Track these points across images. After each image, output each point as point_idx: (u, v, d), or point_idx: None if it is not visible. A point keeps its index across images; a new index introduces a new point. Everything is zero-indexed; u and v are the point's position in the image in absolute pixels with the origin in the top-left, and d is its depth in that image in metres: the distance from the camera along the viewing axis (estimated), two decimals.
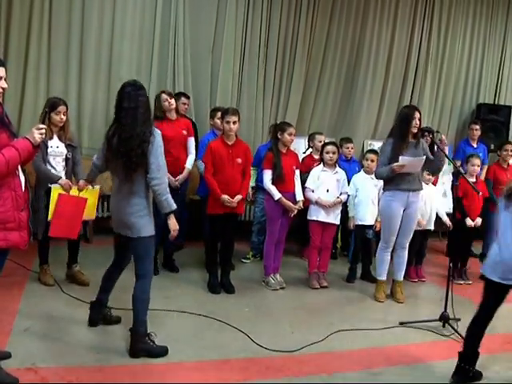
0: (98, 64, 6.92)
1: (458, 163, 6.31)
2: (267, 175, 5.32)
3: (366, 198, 5.79)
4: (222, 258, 5.28)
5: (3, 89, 3.13)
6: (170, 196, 3.68)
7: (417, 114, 4.99)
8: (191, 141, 5.60)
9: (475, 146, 7.43)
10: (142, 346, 3.72)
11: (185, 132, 5.49)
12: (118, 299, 4.27)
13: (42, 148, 4.50)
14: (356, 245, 5.97)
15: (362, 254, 6.01)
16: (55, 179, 4.73)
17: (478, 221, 5.93)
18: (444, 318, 4.62)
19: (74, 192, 4.71)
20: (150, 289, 3.88)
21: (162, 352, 3.76)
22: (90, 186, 4.73)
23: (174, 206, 3.69)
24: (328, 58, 7.98)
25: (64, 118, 4.83)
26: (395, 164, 4.89)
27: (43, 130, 3.16)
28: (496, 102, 8.91)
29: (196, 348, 3.89)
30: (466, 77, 8.82)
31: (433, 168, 5.21)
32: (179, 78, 7.18)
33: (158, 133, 3.67)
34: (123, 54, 6.99)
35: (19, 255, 4.59)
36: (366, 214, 5.81)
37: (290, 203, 5.30)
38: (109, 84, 6.97)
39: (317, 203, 5.46)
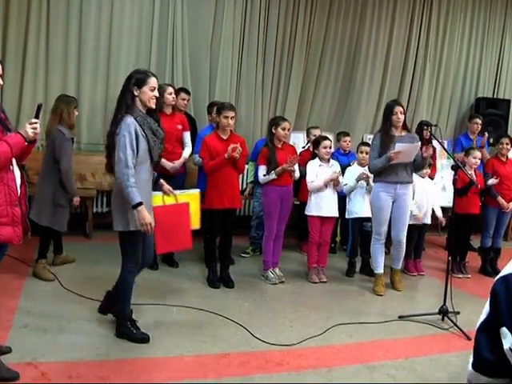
0: (97, 61, 6.92)
1: (461, 156, 6.30)
2: (261, 171, 5.34)
3: (361, 190, 5.79)
4: (221, 252, 5.29)
5: None
6: (132, 190, 3.51)
7: (398, 108, 5.09)
8: (186, 135, 5.62)
9: (474, 139, 7.41)
10: (123, 329, 3.84)
11: (180, 126, 5.51)
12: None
13: (71, 148, 5.01)
14: (354, 238, 5.98)
15: (360, 247, 6.02)
16: (73, 195, 5.07)
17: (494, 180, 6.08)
18: (443, 312, 4.64)
19: (170, 200, 4.22)
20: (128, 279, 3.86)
21: (141, 339, 3.82)
22: (188, 191, 4.62)
23: (137, 200, 3.52)
24: (326, 53, 7.98)
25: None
26: (392, 151, 4.93)
27: (36, 125, 3.13)
28: (495, 96, 8.92)
29: (195, 342, 3.90)
30: (464, 71, 8.82)
31: (416, 164, 5.22)
32: (178, 74, 7.18)
33: (127, 123, 3.56)
34: (121, 51, 6.99)
35: (18, 250, 4.61)
36: (362, 206, 5.81)
37: (284, 165, 5.24)
38: (107, 81, 6.97)
39: (325, 184, 5.42)
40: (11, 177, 3.18)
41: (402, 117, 5.07)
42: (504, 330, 1.20)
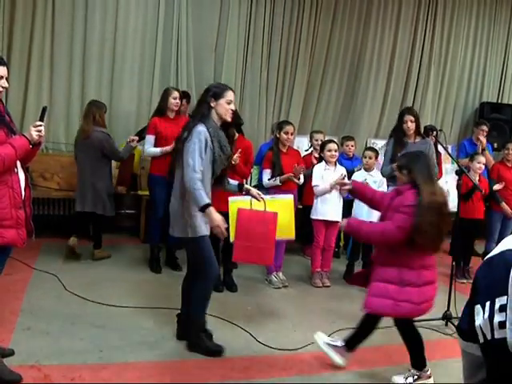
0: (101, 63, 6.94)
1: (465, 161, 6.28)
2: (266, 175, 5.35)
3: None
4: (224, 256, 5.28)
5: (3, 88, 3.13)
6: (200, 192, 3.50)
7: (407, 117, 5.16)
8: None
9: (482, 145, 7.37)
10: (197, 341, 3.78)
11: None
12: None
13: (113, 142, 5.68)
14: (354, 242, 5.97)
15: (362, 252, 6.01)
16: (130, 147, 5.77)
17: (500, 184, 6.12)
18: (447, 317, 4.62)
19: (258, 206, 4.00)
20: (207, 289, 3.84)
21: (216, 351, 3.78)
22: (279, 196, 4.58)
23: (205, 201, 3.50)
24: (331, 57, 7.98)
25: None
26: (395, 164, 4.93)
27: (41, 128, 3.14)
28: (499, 101, 8.89)
29: None
30: (469, 75, 8.81)
31: None
32: (182, 77, 7.19)
33: (198, 130, 3.59)
34: (126, 54, 7.02)
35: (22, 252, 4.62)
36: (365, 210, 5.79)
37: (289, 174, 5.27)
38: (111, 82, 6.99)
39: (331, 188, 5.39)
40: (15, 179, 3.19)
41: (411, 125, 5.10)
42: (478, 307, 1.31)
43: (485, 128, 7.18)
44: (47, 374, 3.30)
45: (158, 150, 5.41)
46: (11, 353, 3.46)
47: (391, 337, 4.36)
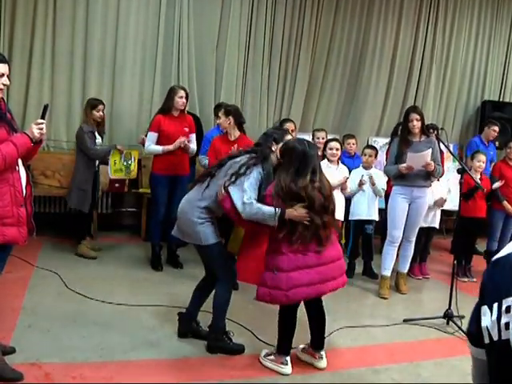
0: (103, 61, 6.92)
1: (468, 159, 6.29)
2: None
3: (365, 193, 5.80)
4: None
5: (4, 85, 3.13)
6: (261, 210, 3.47)
7: (413, 116, 5.13)
8: (193, 136, 5.62)
9: (487, 144, 7.39)
10: (219, 343, 3.81)
11: (186, 129, 5.51)
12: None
13: (92, 137, 5.67)
14: (354, 240, 5.97)
15: (362, 250, 6.02)
16: (112, 148, 5.89)
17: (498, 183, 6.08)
18: (448, 316, 4.62)
19: None
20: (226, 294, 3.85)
21: (238, 350, 3.84)
22: None
23: (272, 211, 3.44)
24: (333, 55, 7.96)
25: (103, 114, 5.86)
26: (402, 166, 5.02)
27: (42, 126, 3.14)
28: (501, 99, 8.87)
29: (200, 344, 3.89)
30: (471, 73, 8.78)
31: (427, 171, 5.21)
32: (183, 74, 7.17)
33: (258, 171, 3.60)
34: (127, 52, 6.99)
35: (23, 250, 4.62)
36: (365, 209, 5.82)
37: None
38: (113, 80, 6.98)
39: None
40: (17, 177, 3.18)
41: (417, 124, 5.10)
42: (484, 308, 1.33)
43: (496, 129, 7.24)
44: (48, 372, 3.31)
45: (159, 148, 5.40)
46: (12, 351, 3.47)
47: (392, 335, 4.38)
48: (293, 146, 3.58)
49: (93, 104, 5.81)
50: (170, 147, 5.32)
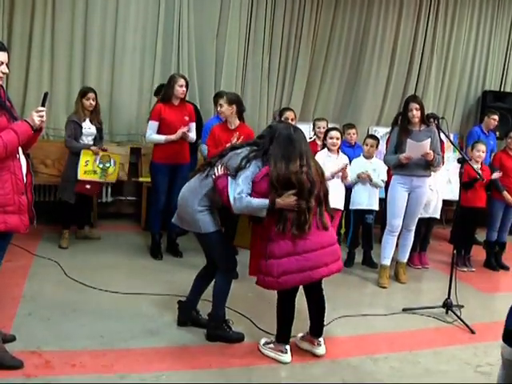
0: (102, 50, 6.89)
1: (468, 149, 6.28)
2: None
3: (365, 182, 5.79)
4: None
5: (3, 73, 3.11)
6: (251, 202, 3.48)
7: (412, 105, 5.12)
8: (192, 125, 5.60)
9: (487, 134, 7.38)
10: (218, 332, 3.82)
11: (187, 118, 5.49)
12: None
13: (76, 128, 5.60)
14: (354, 229, 5.97)
15: (362, 240, 6.02)
16: (88, 146, 5.65)
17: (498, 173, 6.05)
18: (447, 305, 4.63)
19: None
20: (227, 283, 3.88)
21: (238, 339, 3.85)
22: None
23: (265, 202, 3.46)
24: (333, 45, 7.92)
25: (93, 103, 5.70)
26: (402, 155, 5.01)
27: (43, 113, 3.13)
28: (502, 89, 8.84)
29: (199, 332, 3.90)
30: (471, 63, 8.74)
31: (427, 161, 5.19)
32: (183, 64, 7.14)
33: (256, 166, 3.56)
34: (127, 40, 6.96)
35: (23, 239, 4.62)
36: (365, 198, 5.82)
37: None
38: (112, 69, 6.95)
39: (332, 176, 5.39)
40: (18, 165, 3.18)
41: (417, 113, 5.08)
42: None
43: (496, 117, 7.26)
44: (48, 360, 3.32)
45: (162, 137, 5.38)
46: (12, 338, 3.48)
47: (391, 324, 4.40)
48: (278, 132, 3.57)
49: (82, 92, 5.74)
50: (173, 137, 5.31)
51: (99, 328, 3.84)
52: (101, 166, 5.70)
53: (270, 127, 3.84)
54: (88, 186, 5.68)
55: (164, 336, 3.82)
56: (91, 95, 5.67)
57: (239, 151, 3.68)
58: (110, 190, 6.85)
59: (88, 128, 5.69)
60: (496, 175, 5.97)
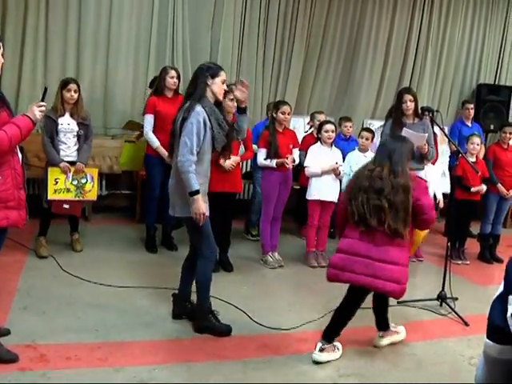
0: (96, 41, 6.85)
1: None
2: (261, 154, 5.34)
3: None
4: (221, 236, 5.27)
5: None
6: (192, 176, 3.54)
7: (407, 97, 5.11)
8: None
9: (470, 125, 7.40)
10: (205, 323, 3.82)
11: None
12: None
13: (50, 124, 4.98)
14: None
15: None
16: (57, 162, 5.05)
17: (483, 186, 5.91)
18: (441, 297, 4.65)
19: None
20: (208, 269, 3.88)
21: (226, 330, 3.84)
22: None
23: (195, 187, 3.54)
24: (328, 38, 7.91)
25: (75, 95, 5.10)
26: None
27: (43, 108, 3.15)
28: (496, 83, 8.86)
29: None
30: (466, 57, 8.75)
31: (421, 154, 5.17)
32: (178, 55, 7.13)
33: (196, 111, 3.58)
34: (121, 32, 6.92)
35: (18, 233, 4.61)
36: None
37: (283, 159, 5.27)
38: (107, 61, 6.92)
39: (322, 173, 5.42)
40: (17, 160, 3.19)
41: (410, 104, 5.07)
42: (510, 297, 1.32)
43: (469, 106, 7.40)
44: (43, 354, 3.32)
45: (157, 143, 5.34)
46: (7, 332, 3.48)
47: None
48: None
49: (63, 83, 5.14)
50: (165, 153, 5.24)
51: (94, 321, 3.84)
52: (75, 182, 5.10)
53: (201, 68, 3.78)
54: (66, 206, 5.11)
55: (159, 329, 3.82)
56: (73, 86, 5.08)
57: (184, 106, 3.72)
58: (104, 183, 6.83)
59: (67, 124, 5.11)
60: (476, 189, 5.90)
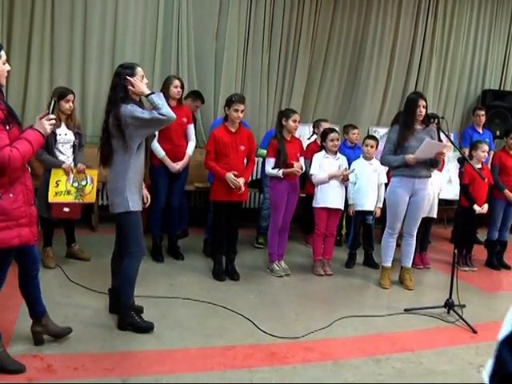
0: (102, 52, 6.90)
1: (467, 151, 6.23)
2: (270, 164, 5.31)
3: (366, 183, 5.81)
4: (227, 245, 5.28)
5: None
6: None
7: (421, 102, 4.98)
8: (191, 128, 5.62)
9: (481, 132, 7.39)
10: (128, 319, 3.87)
11: (185, 119, 5.50)
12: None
13: (48, 136, 4.73)
14: (355, 230, 5.98)
15: (363, 240, 6.03)
16: (59, 164, 5.03)
17: (485, 207, 5.88)
18: (449, 305, 4.62)
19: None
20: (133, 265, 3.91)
21: (147, 327, 3.87)
22: None
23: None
24: (332, 45, 7.94)
25: (72, 106, 5.13)
26: (409, 156, 4.87)
27: (53, 121, 3.14)
28: (502, 88, 8.85)
29: (201, 335, 3.91)
30: (471, 63, 8.76)
31: (432, 162, 5.14)
32: (183, 65, 7.16)
33: (128, 109, 3.67)
34: (126, 43, 6.98)
35: None
36: (366, 199, 5.82)
37: (293, 169, 5.27)
38: (112, 71, 6.93)
39: (329, 178, 5.41)
40: (28, 175, 3.15)
41: (424, 110, 5.00)
42: None
43: (481, 112, 7.35)
44: (50, 364, 3.32)
45: (162, 153, 5.40)
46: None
47: (393, 324, 4.39)
48: None
49: (60, 94, 5.01)
50: (170, 163, 5.39)
51: (101, 331, 3.84)
52: (75, 184, 5.07)
53: (117, 74, 3.88)
54: (66, 210, 5.05)
55: (165, 338, 3.82)
56: (71, 97, 5.06)
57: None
58: None
59: (64, 134, 5.09)
60: (479, 210, 5.88)
